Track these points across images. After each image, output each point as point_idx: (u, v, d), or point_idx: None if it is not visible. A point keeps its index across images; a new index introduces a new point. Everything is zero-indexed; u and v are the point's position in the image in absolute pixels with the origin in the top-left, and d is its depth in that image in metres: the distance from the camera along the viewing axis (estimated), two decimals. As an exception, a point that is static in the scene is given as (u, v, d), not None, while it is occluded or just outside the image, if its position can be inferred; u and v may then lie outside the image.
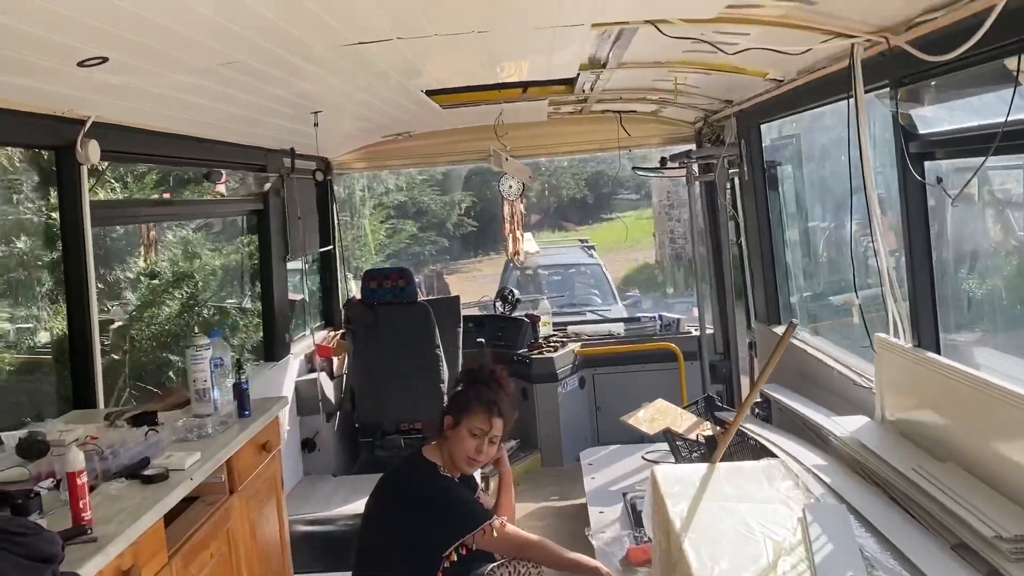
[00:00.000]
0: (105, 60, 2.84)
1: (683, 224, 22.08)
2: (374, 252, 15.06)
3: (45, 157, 4.39)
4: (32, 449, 2.80)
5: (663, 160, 7.15)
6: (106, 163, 3.98)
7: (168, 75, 3.25)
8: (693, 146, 7.16)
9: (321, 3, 2.71)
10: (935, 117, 3.36)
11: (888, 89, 3.38)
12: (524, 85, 5.34)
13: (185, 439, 3.15)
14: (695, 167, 6.86)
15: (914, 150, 3.31)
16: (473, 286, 21.59)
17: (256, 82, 3.74)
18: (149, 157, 4.53)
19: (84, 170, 3.52)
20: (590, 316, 9.41)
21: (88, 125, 3.45)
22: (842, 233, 7.15)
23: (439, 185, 20.09)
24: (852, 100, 3.53)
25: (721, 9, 3.11)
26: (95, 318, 3.68)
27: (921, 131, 3.30)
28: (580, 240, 16.23)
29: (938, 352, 3.42)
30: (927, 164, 3.31)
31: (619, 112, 7.00)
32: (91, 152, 3.45)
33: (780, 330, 5.68)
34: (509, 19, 3.27)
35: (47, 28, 2.42)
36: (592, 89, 5.57)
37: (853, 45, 3.38)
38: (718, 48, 3.68)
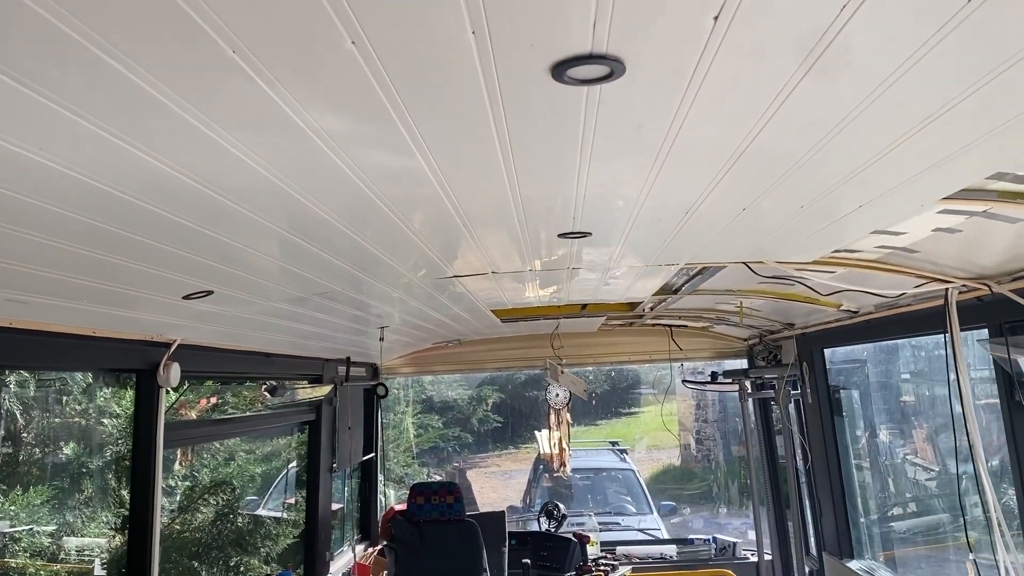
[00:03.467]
0: (210, 293, 2.85)
1: (711, 425, 21.73)
2: (407, 453, 14.66)
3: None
4: None
5: (714, 375, 7.07)
6: (184, 385, 3.91)
7: (264, 303, 3.25)
8: (745, 362, 7.11)
9: (433, 240, 2.73)
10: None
11: (987, 332, 3.33)
12: (584, 303, 5.37)
13: None
14: (748, 384, 6.77)
15: (1020, 398, 3.20)
16: (492, 483, 20.92)
17: (340, 306, 3.75)
18: (220, 374, 4.50)
19: (163, 392, 3.45)
20: (637, 535, 8.95)
21: (173, 348, 3.41)
22: (900, 457, 6.93)
23: (464, 378, 20.01)
24: (948, 338, 3.46)
25: (821, 256, 3.12)
26: (157, 537, 3.48)
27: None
28: (611, 443, 15.83)
29: (1068, 618, 3.12)
30: (1038, 412, 3.18)
31: (670, 326, 7.02)
32: (172, 376, 3.39)
33: (854, 565, 5.34)
34: (607, 261, 3.29)
35: (161, 266, 2.41)
36: (653, 309, 5.59)
37: (948, 289, 3.36)
38: (811, 288, 3.67)
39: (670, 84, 1.28)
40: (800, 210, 2.24)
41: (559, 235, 2.50)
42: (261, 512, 7.57)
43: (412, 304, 4.07)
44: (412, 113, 1.36)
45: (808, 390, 5.65)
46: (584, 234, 2.50)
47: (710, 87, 1.29)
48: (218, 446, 6.64)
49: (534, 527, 8.16)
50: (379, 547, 6.56)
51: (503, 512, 6.72)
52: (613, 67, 1.17)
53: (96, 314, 2.74)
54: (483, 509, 17.40)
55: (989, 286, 3.11)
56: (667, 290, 4.62)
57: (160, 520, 3.57)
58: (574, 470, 13.42)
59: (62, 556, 5.59)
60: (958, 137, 1.64)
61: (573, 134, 1.50)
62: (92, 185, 1.56)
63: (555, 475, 13.75)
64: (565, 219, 2.30)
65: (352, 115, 1.36)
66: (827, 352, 5.58)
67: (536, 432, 16.08)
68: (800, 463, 6.10)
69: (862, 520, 5.68)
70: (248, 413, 5.78)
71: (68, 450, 5.66)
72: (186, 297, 2.81)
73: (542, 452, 13.00)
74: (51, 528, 5.51)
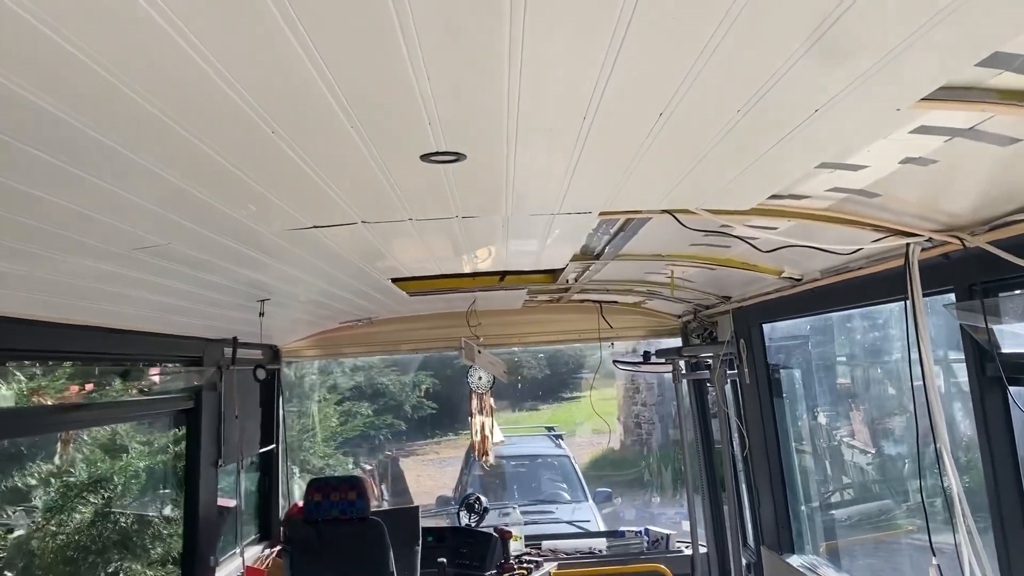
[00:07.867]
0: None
1: (649, 409, 21.46)
2: (322, 442, 13.89)
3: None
4: None
5: (646, 355, 6.55)
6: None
7: (69, 261, 2.56)
8: (679, 341, 6.61)
9: (271, 184, 2.10)
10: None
11: (954, 297, 2.82)
12: (502, 274, 4.77)
13: None
14: (682, 364, 6.27)
15: (994, 373, 2.70)
16: (430, 471, 20.30)
17: (185, 268, 3.07)
18: (56, 354, 3.77)
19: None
20: (566, 527, 8.41)
21: (-40, 319, 2.70)
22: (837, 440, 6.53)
23: (396, 364, 19.28)
24: (909, 306, 2.94)
25: (761, 201, 2.57)
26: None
27: (1005, 349, 2.69)
28: (547, 428, 15.35)
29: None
30: (1013, 389, 2.69)
31: (599, 302, 6.48)
32: (-40, 353, 2.68)
33: (794, 561, 4.87)
34: (500, 204, 2.68)
35: None
36: (577, 280, 5.02)
37: (910, 245, 2.84)
38: (753, 245, 3.12)
39: None
40: (736, 115, 1.66)
41: (421, 156, 1.88)
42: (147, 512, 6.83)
43: (281, 268, 3.41)
44: None
45: (745, 369, 5.16)
46: (457, 155, 1.88)
47: None
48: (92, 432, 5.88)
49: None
50: (278, 548, 5.89)
51: (416, 508, 6.13)
52: None
53: None
54: (419, 498, 16.74)
55: (962, 239, 2.59)
56: (588, 254, 4.05)
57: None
58: (508, 457, 12.90)
59: None
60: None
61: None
62: None
63: (489, 464, 13.24)
64: (430, 131, 1.68)
65: None
66: (766, 328, 5.09)
67: (470, 419, 15.50)
68: (737, 448, 5.62)
69: (803, 508, 5.23)
70: (101, 400, 5.03)
71: None
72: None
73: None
74: None
